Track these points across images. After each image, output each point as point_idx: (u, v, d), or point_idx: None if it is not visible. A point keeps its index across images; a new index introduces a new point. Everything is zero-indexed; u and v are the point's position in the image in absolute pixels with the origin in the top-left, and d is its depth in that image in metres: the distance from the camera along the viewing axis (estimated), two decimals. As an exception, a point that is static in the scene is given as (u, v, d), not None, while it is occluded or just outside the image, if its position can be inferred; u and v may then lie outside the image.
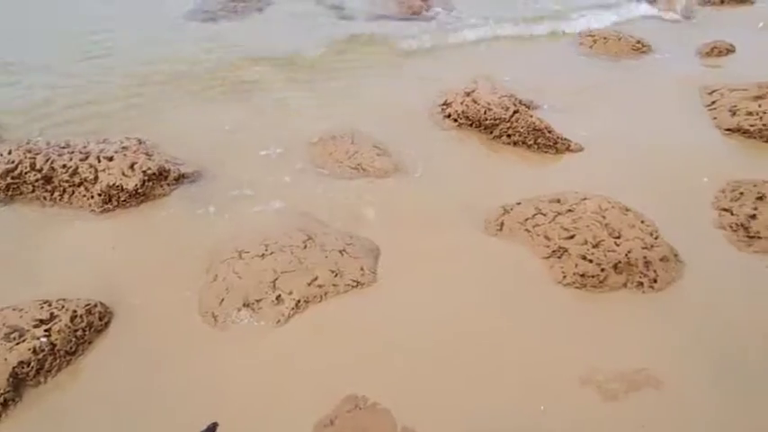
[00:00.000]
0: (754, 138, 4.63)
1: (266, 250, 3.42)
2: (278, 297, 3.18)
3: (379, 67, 5.58)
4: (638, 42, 6.05)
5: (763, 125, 4.62)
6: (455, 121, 4.84)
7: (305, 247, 3.48)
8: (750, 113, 4.75)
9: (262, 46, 5.84)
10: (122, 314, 3.13)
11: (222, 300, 3.16)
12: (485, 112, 4.71)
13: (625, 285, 3.39)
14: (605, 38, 6.10)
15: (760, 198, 3.89)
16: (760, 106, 4.76)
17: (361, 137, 4.56)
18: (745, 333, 3.13)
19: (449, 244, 3.64)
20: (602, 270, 3.39)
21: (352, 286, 3.32)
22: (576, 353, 3.01)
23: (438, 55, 5.98)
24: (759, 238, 3.68)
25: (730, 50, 6.03)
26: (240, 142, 4.52)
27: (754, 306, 3.28)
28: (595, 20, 6.59)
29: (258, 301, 3.16)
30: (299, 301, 3.17)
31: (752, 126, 4.66)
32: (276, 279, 3.26)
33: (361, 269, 3.41)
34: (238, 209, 3.85)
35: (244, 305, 3.14)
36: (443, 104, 5.02)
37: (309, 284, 3.26)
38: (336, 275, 3.33)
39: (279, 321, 3.10)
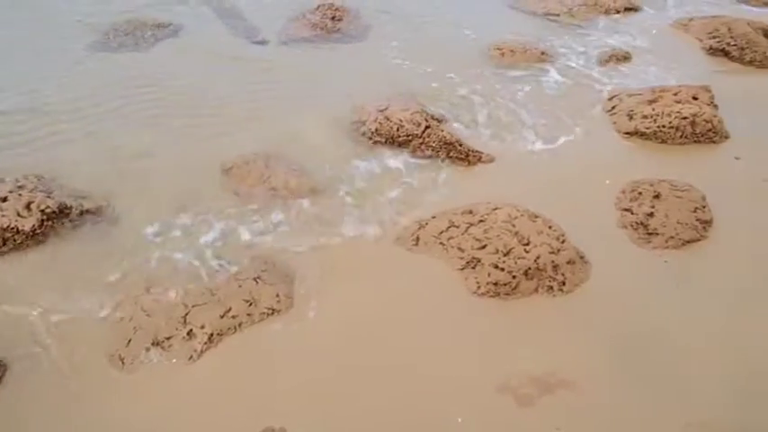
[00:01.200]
0: (650, 139, 4.91)
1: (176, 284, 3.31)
2: (189, 332, 3.08)
3: (290, 89, 5.54)
4: (543, 53, 6.31)
5: (657, 127, 4.92)
6: (370, 139, 4.86)
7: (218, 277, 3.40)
8: (645, 117, 5.04)
9: (169, 75, 5.69)
10: (20, 366, 2.94)
11: (129, 340, 3.03)
12: (397, 129, 4.77)
13: (536, 290, 3.50)
14: (512, 50, 6.33)
15: (656, 197, 4.13)
16: (654, 110, 5.06)
17: (275, 160, 4.51)
18: (648, 327, 3.29)
19: (365, 262, 3.66)
20: (514, 277, 3.49)
21: (268, 314, 3.26)
22: (491, 361, 3.08)
23: (352, 71, 6.00)
24: (657, 234, 3.90)
25: (627, 57, 6.39)
26: (148, 171, 4.36)
27: (655, 299, 3.47)
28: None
29: (168, 338, 3.05)
30: (211, 335, 3.08)
31: (647, 128, 4.94)
32: (187, 314, 3.16)
33: (277, 296, 3.36)
34: (145, 241, 3.71)
35: (153, 344, 3.02)
36: (358, 122, 5.04)
37: (222, 316, 3.17)
38: (251, 305, 3.27)
39: (191, 358, 3.00)
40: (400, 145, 4.77)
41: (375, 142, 4.83)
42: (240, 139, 4.76)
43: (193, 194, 4.13)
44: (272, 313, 3.27)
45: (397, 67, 6.01)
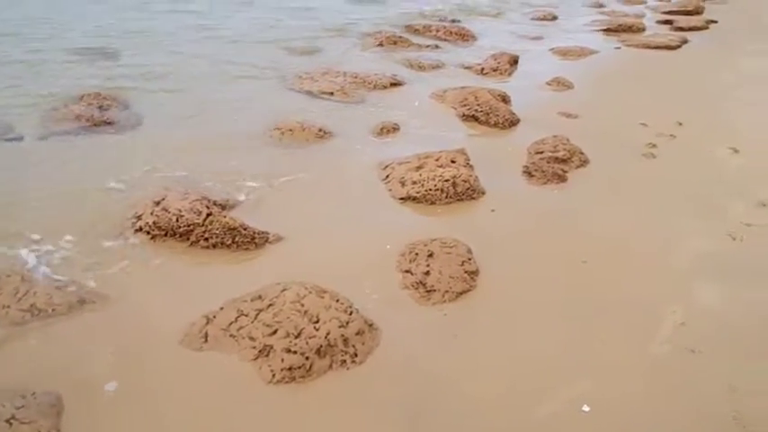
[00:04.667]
0: (421, 202, 5.40)
1: None
2: None
3: (51, 189, 5.05)
4: (320, 130, 6.67)
5: (425, 191, 5.44)
6: (148, 233, 4.59)
7: (-45, 429, 2.84)
8: (415, 182, 5.55)
9: None
10: None
11: None
12: (177, 220, 4.59)
13: (330, 367, 3.53)
14: (291, 129, 6.58)
15: (430, 255, 4.51)
16: (421, 175, 5.61)
17: (32, 274, 4.01)
18: (436, 379, 3.50)
19: (146, 376, 3.36)
20: (307, 358, 3.49)
21: (28, 460, 2.80)
22: (291, 453, 3.00)
23: (124, 163, 5.68)
24: (435, 290, 4.23)
25: (396, 128, 7.04)
26: None
27: (439, 352, 3.72)
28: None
29: None
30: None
31: (417, 193, 5.44)
32: None
33: (39, 433, 2.91)
34: None
35: None
36: (134, 218, 4.75)
37: (-38, 479, 2.64)
38: (2, 455, 2.78)
39: None
40: (181, 236, 4.58)
41: (153, 237, 4.57)
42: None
43: None
44: (34, 457, 2.82)
45: (174, 154, 5.85)
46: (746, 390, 3.41)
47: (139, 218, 4.72)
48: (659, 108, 8.42)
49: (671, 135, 7.37)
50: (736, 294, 4.31)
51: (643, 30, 14.19)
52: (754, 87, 9.61)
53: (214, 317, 3.79)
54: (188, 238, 4.59)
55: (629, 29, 14.03)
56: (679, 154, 6.85)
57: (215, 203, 4.93)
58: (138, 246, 4.50)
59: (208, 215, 4.67)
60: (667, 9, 17.39)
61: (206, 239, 4.58)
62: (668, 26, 15.10)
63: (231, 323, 3.72)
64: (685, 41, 13.14)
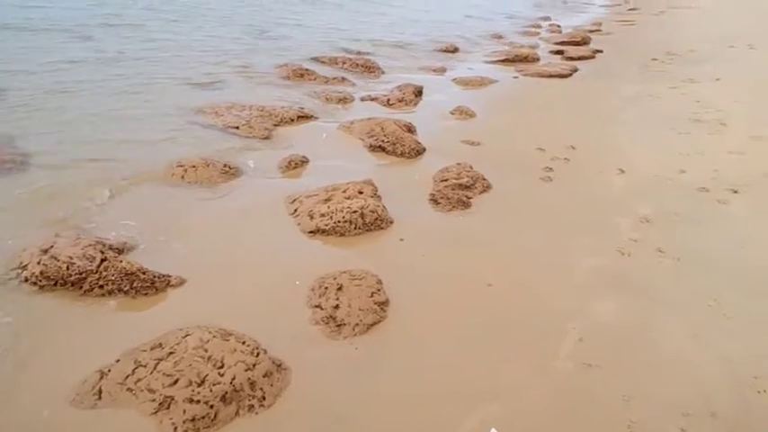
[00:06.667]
0: (331, 235, 5.39)
1: None
2: None
3: None
4: (226, 166, 6.52)
5: (334, 223, 5.43)
6: (35, 284, 4.26)
7: None
8: (323, 215, 5.53)
9: None
10: None
11: None
12: (67, 268, 4.30)
13: (237, 414, 3.40)
14: (194, 166, 6.39)
15: (339, 288, 4.49)
16: (329, 207, 5.60)
17: None
18: (348, 416, 3.45)
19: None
20: (212, 407, 3.34)
21: None
22: None
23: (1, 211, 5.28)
24: (345, 324, 4.21)
25: (304, 161, 7.02)
26: None
27: (351, 388, 3.68)
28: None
29: None
30: None
31: (326, 225, 5.43)
32: None
33: None
34: None
35: None
36: (19, 268, 4.40)
37: None
38: None
39: None
40: (73, 285, 4.29)
41: (41, 287, 4.25)
42: None
43: None
44: None
45: (66, 195, 5.50)
46: (638, 399, 3.63)
47: (24, 268, 4.38)
48: (554, 133, 8.96)
49: (565, 158, 7.85)
50: (625, 307, 4.59)
51: (538, 60, 15.17)
52: (634, 111, 10.46)
53: (109, 370, 3.55)
54: (81, 287, 4.30)
55: (525, 59, 14.96)
56: (573, 176, 7.30)
57: (110, 247, 4.67)
58: (22, 299, 4.16)
59: (102, 260, 4.41)
60: (559, 40, 18.74)
61: (101, 287, 4.31)
62: (560, 56, 16.24)
63: (128, 376, 3.50)
64: (576, 70, 14.15)
